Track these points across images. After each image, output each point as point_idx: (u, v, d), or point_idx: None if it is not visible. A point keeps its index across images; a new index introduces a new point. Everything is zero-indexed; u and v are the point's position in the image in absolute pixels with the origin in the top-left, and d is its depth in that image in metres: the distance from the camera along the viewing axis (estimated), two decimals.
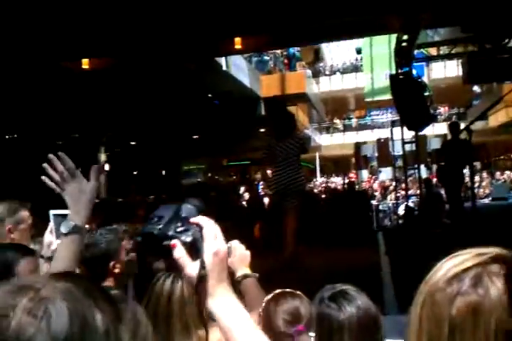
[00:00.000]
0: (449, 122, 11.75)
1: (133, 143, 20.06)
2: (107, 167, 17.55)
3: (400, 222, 11.70)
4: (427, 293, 0.87)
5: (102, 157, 17.46)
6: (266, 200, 15.88)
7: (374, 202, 15.27)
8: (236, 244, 2.14)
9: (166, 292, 2.17)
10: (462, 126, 10.04)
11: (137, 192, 15.47)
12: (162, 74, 10.69)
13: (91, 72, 9.55)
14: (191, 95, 13.33)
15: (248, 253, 2.17)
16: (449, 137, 10.50)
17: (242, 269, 2.12)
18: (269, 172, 33.63)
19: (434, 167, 22.29)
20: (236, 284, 2.09)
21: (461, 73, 11.89)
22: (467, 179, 9.63)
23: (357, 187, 17.62)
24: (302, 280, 6.11)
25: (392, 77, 10.13)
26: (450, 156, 9.45)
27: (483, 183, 20.43)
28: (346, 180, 23.22)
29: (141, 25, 8.13)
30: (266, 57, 17.38)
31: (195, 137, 19.97)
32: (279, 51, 18.35)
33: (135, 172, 23.84)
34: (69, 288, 0.76)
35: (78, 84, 10.45)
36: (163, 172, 25.03)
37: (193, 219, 1.15)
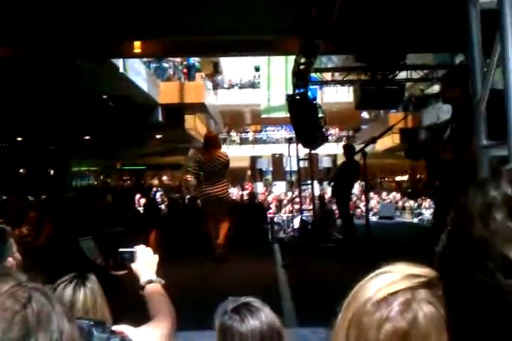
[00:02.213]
0: (344, 144, 12.35)
1: (19, 138, 18.95)
2: None
3: (295, 234, 11.99)
4: (354, 313, 0.85)
5: None
6: (162, 207, 15.65)
7: (269, 215, 15.56)
8: (141, 249, 2.10)
9: (66, 299, 1.98)
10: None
11: (24, 192, 14.57)
12: (55, 69, 10.21)
13: None
14: (85, 95, 12.86)
15: (156, 258, 2.12)
16: (342, 158, 10.98)
17: (147, 274, 2.06)
18: (164, 178, 32.83)
19: (325, 184, 23.25)
20: (139, 289, 2.02)
21: (350, 99, 12.50)
22: (354, 198, 10.14)
23: None
24: (200, 290, 6.06)
25: (289, 97, 10.42)
26: (343, 175, 9.90)
27: (371, 202, 21.55)
28: (242, 192, 23.51)
29: (37, 16, 7.72)
30: (165, 65, 17.21)
31: (86, 138, 19.26)
32: (178, 60, 18.25)
33: (21, 170, 22.52)
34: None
35: None
36: (51, 172, 23.83)
37: None
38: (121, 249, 2.14)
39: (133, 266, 2.08)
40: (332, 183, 10.61)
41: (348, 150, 10.24)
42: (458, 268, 0.62)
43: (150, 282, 2.03)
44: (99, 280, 2.15)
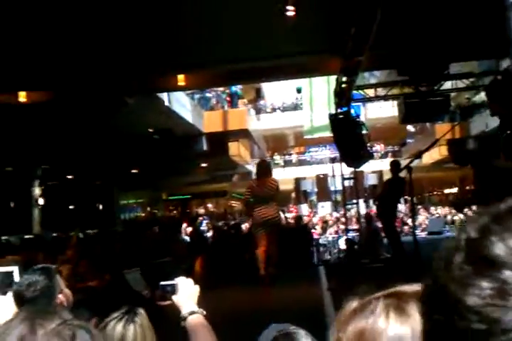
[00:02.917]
0: (391, 160, 12.14)
1: (70, 176, 19.50)
2: (41, 201, 16.94)
3: (341, 255, 11.78)
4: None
5: (37, 190, 16.85)
6: (209, 234, 15.74)
7: (315, 236, 15.38)
8: (182, 280, 2.11)
9: (117, 336, 2.05)
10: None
11: (73, 227, 14.93)
12: (102, 107, 10.53)
13: (28, 105, 9.29)
14: (131, 129, 13.19)
15: (197, 288, 2.12)
16: (388, 174, 10.81)
17: (189, 305, 2.06)
18: (209, 205, 33.15)
19: (371, 202, 22.92)
20: (181, 321, 2.03)
21: (395, 113, 12.36)
22: (401, 214, 9.94)
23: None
24: (244, 317, 6.02)
25: (331, 117, 10.39)
26: (389, 193, 9.71)
27: (419, 218, 21.06)
28: (287, 214, 23.41)
29: (80, 57, 8.02)
30: (208, 94, 17.54)
31: (133, 171, 19.66)
32: (221, 88, 18.57)
33: (71, 207, 23.10)
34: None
35: (14, 117, 10.12)
36: (100, 207, 24.36)
37: None
38: (162, 282, 2.15)
39: (174, 298, 2.09)
40: (377, 202, 10.42)
41: (395, 166, 10.06)
42: (427, 310, 0.64)
43: (192, 313, 2.03)
44: (147, 312, 2.18)
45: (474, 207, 20.94)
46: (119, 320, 2.10)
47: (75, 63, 8.05)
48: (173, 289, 2.10)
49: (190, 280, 2.13)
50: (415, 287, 0.88)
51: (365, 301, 0.89)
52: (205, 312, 2.07)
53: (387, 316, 0.85)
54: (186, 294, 2.08)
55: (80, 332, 0.83)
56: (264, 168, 8.94)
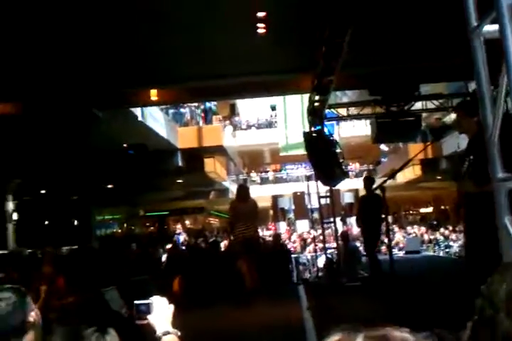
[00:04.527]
0: (364, 176, 12.17)
1: (43, 191, 19.23)
2: (15, 216, 16.64)
3: (320, 274, 11.76)
4: None
5: (10, 205, 16.57)
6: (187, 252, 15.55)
7: (294, 255, 15.36)
8: (157, 300, 2.09)
9: None
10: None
11: (48, 243, 14.68)
12: (73, 120, 10.44)
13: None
14: (104, 144, 13.08)
15: (172, 308, 2.10)
16: (362, 191, 10.83)
17: (164, 325, 2.04)
18: (187, 222, 32.84)
19: (348, 220, 22.99)
20: None
21: (368, 132, 12.49)
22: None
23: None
24: (223, 337, 5.93)
25: (305, 135, 10.44)
26: (367, 210, 9.65)
27: (396, 236, 21.17)
28: (265, 232, 23.35)
29: (50, 69, 7.96)
30: (183, 110, 17.54)
31: (109, 186, 19.47)
32: (195, 104, 18.60)
33: (46, 222, 22.72)
34: None
35: None
36: (76, 222, 23.99)
37: None
38: (136, 302, 2.13)
39: (149, 317, 2.07)
40: (358, 221, 10.36)
41: (369, 182, 10.07)
42: None
43: (166, 333, 2.02)
44: (124, 330, 2.14)
45: (450, 227, 21.18)
46: (90, 335, 2.02)
47: (45, 75, 7.99)
48: (147, 308, 2.08)
49: (165, 300, 2.11)
50: (404, 334, 0.82)
51: (348, 337, 0.84)
52: (179, 333, 2.05)
53: None
54: (161, 314, 2.07)
55: None
56: (244, 192, 9.59)
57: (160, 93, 9.71)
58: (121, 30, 7.30)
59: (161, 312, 2.07)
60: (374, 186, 9.60)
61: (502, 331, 0.54)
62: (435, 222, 26.19)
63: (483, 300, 0.59)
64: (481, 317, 0.58)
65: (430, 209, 31.65)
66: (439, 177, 21.03)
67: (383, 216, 9.11)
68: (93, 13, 6.66)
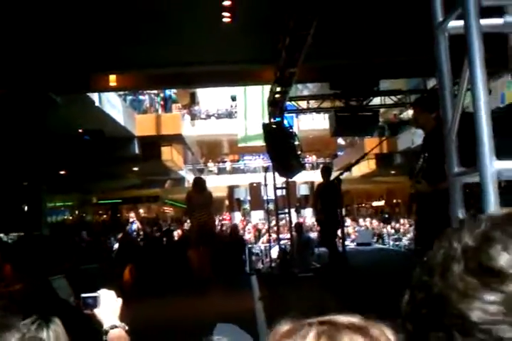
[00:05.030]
0: (322, 166, 12.24)
1: None
2: None
3: (273, 265, 11.87)
4: None
5: None
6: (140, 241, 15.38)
7: (248, 245, 15.42)
8: (104, 293, 2.04)
9: None
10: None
11: None
12: (29, 104, 10.13)
13: None
14: (60, 129, 12.76)
15: (119, 302, 2.06)
16: (318, 183, 10.92)
17: (111, 319, 2.00)
18: (141, 211, 32.54)
19: (303, 212, 23.23)
20: (103, 335, 1.97)
21: (326, 126, 12.65)
22: None
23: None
24: (172, 326, 5.91)
25: (264, 126, 10.46)
26: (325, 198, 9.66)
27: (349, 229, 21.53)
28: (220, 222, 23.35)
29: (8, 52, 7.69)
30: (141, 97, 17.28)
31: (61, 172, 19.02)
32: (155, 92, 18.36)
33: None
34: None
35: None
36: (25, 208, 23.35)
37: None
38: (83, 295, 2.08)
39: (96, 311, 2.03)
40: (316, 210, 10.33)
41: (326, 171, 10.11)
42: (417, 327, 0.59)
43: (113, 327, 1.99)
44: (72, 319, 2.09)
45: (402, 221, 21.71)
46: (28, 327, 1.96)
47: (1, 57, 7.71)
48: (94, 302, 2.04)
49: (113, 293, 2.07)
50: (350, 318, 0.81)
51: (297, 325, 0.82)
52: (127, 327, 2.02)
53: None
54: (108, 307, 2.03)
55: None
56: (200, 184, 10.06)
57: (119, 79, 9.52)
58: (82, 13, 7.10)
59: (108, 305, 2.04)
60: (331, 178, 9.71)
61: (436, 293, 0.55)
62: (387, 216, 26.77)
63: (422, 266, 0.60)
64: (417, 283, 0.59)
65: (382, 203, 32.34)
66: (392, 172, 21.50)
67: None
68: None
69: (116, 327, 1.99)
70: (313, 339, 0.78)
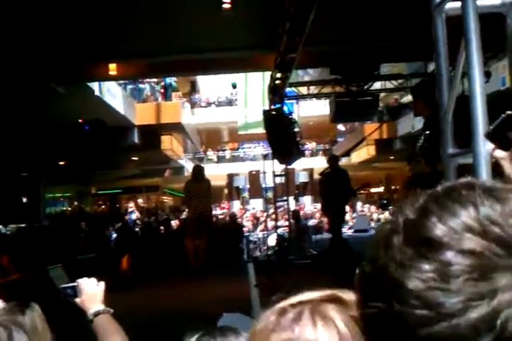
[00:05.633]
0: (329, 155, 12.33)
1: None
2: None
3: (270, 252, 11.93)
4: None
5: None
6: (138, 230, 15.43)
7: (245, 233, 15.45)
8: (84, 282, 2.04)
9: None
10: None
11: None
12: (30, 94, 10.10)
13: None
14: (59, 119, 12.73)
15: (100, 287, 2.05)
16: (317, 170, 10.96)
17: (94, 306, 2.00)
18: (140, 201, 32.50)
19: (301, 199, 23.22)
20: (90, 324, 1.97)
21: (326, 112, 12.64)
22: None
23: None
24: (169, 313, 5.98)
25: (265, 113, 10.46)
26: (333, 186, 9.69)
27: (346, 215, 21.53)
28: (219, 211, 23.38)
29: (9, 41, 7.65)
30: (141, 86, 17.20)
31: (61, 163, 18.99)
32: (155, 80, 18.27)
33: None
34: None
35: None
36: (24, 200, 23.34)
37: None
38: (62, 285, 2.09)
39: (77, 300, 2.03)
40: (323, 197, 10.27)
41: (334, 160, 10.22)
42: (364, 298, 0.62)
43: (97, 314, 1.98)
44: (69, 309, 2.10)
45: None
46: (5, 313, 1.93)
47: (1, 47, 7.67)
48: (73, 291, 2.03)
49: (93, 280, 2.06)
50: (327, 292, 0.85)
51: (284, 309, 0.83)
52: (112, 311, 2.02)
53: (315, 325, 0.80)
54: (89, 295, 2.02)
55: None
56: (199, 172, 10.11)
57: (119, 67, 9.48)
58: (82, 2, 7.07)
59: (89, 293, 2.02)
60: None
61: (379, 265, 0.58)
62: (385, 202, 26.78)
63: (371, 241, 0.63)
64: (367, 257, 0.62)
65: (381, 189, 32.36)
66: (392, 158, 21.51)
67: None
68: None
69: (99, 313, 1.98)
70: (309, 322, 0.80)
